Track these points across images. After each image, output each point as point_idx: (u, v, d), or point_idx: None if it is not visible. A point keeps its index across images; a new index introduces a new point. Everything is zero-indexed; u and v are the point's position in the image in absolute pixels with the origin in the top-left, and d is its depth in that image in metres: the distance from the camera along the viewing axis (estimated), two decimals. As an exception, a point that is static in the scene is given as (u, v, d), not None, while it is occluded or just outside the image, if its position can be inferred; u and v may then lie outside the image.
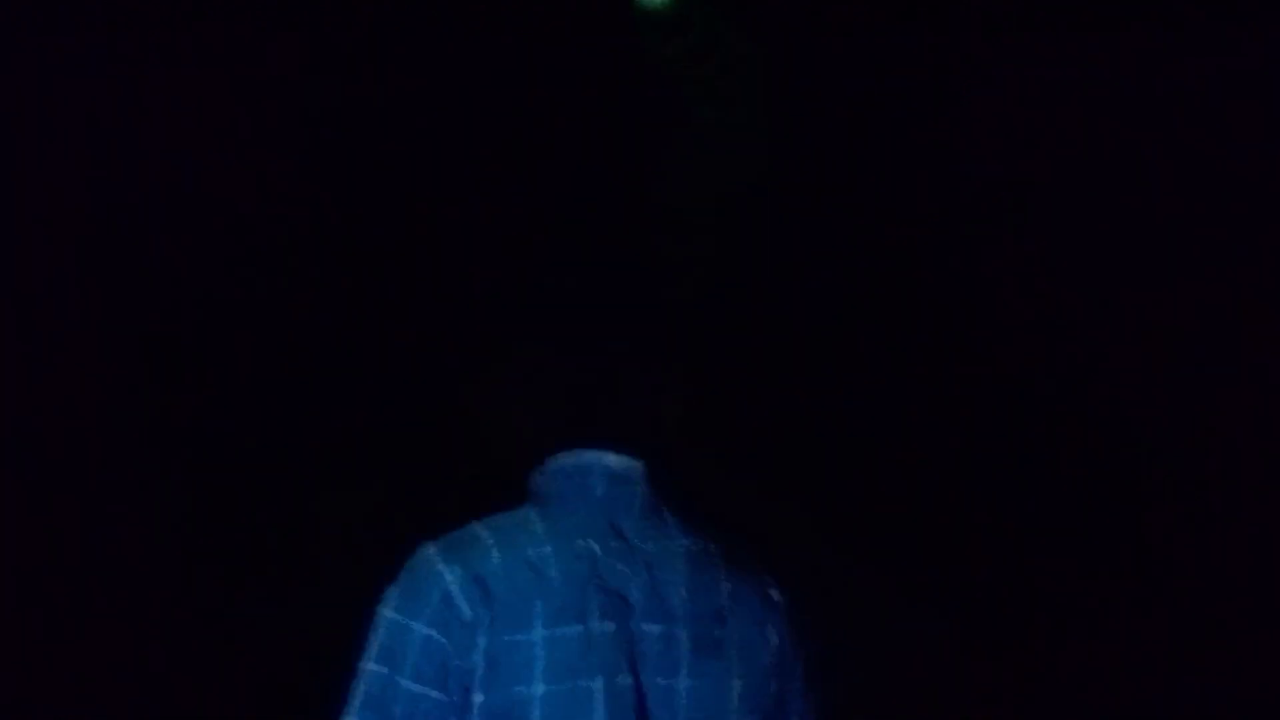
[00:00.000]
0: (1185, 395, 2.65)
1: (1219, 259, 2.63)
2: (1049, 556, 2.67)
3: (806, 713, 1.63)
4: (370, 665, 1.49)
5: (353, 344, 2.62)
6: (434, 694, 1.47)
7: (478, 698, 1.46)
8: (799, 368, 2.71)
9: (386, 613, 1.51)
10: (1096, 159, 2.67)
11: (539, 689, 1.47)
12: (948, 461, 2.70)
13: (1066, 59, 2.67)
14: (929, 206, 2.74)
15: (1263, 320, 2.62)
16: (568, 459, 1.60)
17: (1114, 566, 2.68)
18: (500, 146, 2.66)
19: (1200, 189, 2.63)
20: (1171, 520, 2.66)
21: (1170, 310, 2.66)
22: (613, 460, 1.60)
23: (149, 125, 2.57)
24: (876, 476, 2.68)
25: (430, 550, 1.53)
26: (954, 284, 2.74)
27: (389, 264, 2.64)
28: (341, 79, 2.64)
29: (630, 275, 1.73)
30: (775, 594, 1.63)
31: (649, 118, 2.74)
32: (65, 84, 2.53)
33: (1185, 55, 2.60)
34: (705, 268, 2.64)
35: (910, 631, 2.62)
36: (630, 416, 1.62)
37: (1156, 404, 2.66)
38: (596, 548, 1.54)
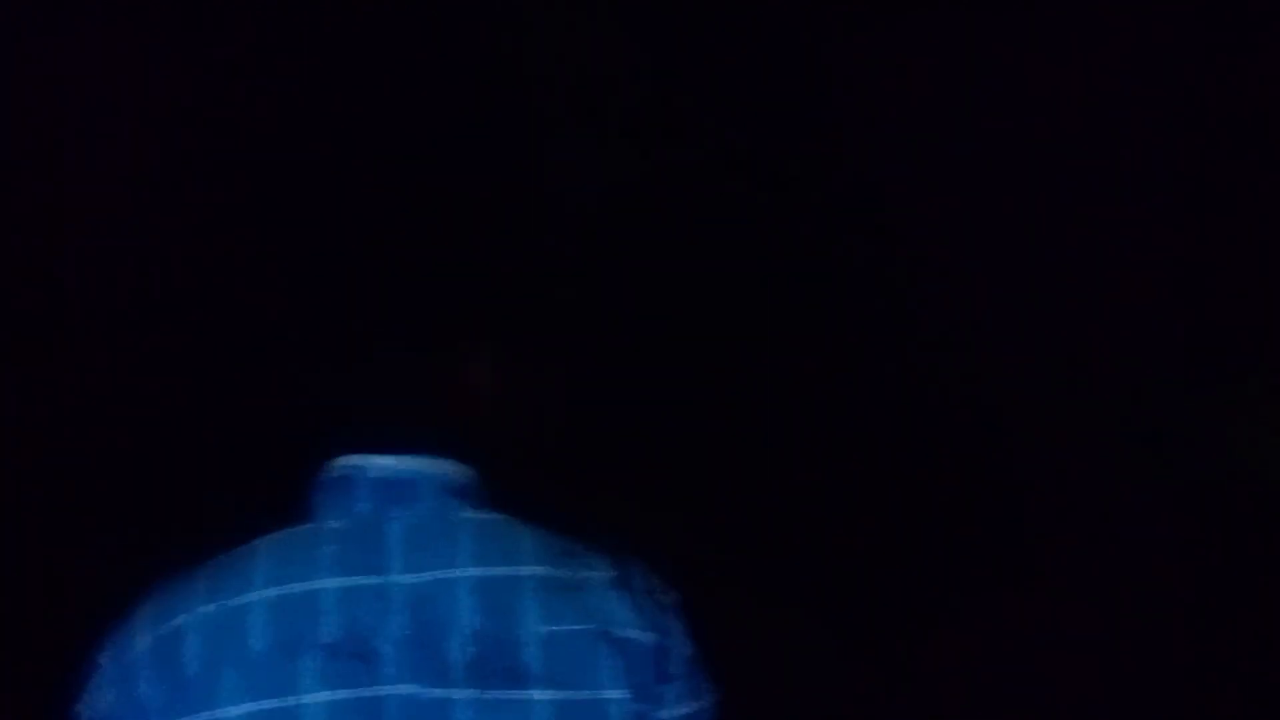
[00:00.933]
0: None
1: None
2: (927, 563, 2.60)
3: None
4: None
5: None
6: None
7: None
8: (674, 371, 2.60)
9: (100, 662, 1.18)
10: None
11: None
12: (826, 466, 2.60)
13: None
14: (809, 202, 2.66)
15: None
16: (340, 464, 1.21)
17: (992, 571, 2.60)
18: (364, 144, 2.54)
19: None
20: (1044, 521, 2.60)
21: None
22: (385, 464, 1.19)
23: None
24: (764, 488, 2.56)
25: (160, 588, 1.18)
26: (826, 278, 2.64)
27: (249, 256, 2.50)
28: (197, 73, 2.50)
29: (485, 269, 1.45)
30: (633, 634, 1.15)
31: (525, 111, 2.62)
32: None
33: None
34: (573, 268, 2.52)
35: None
36: (442, 412, 1.23)
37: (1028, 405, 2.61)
38: (333, 587, 1.13)
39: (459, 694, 1.11)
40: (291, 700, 1.10)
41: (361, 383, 1.24)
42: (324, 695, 1.10)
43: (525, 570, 1.16)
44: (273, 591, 1.13)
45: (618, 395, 2.47)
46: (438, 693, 1.11)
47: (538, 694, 1.11)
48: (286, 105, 2.51)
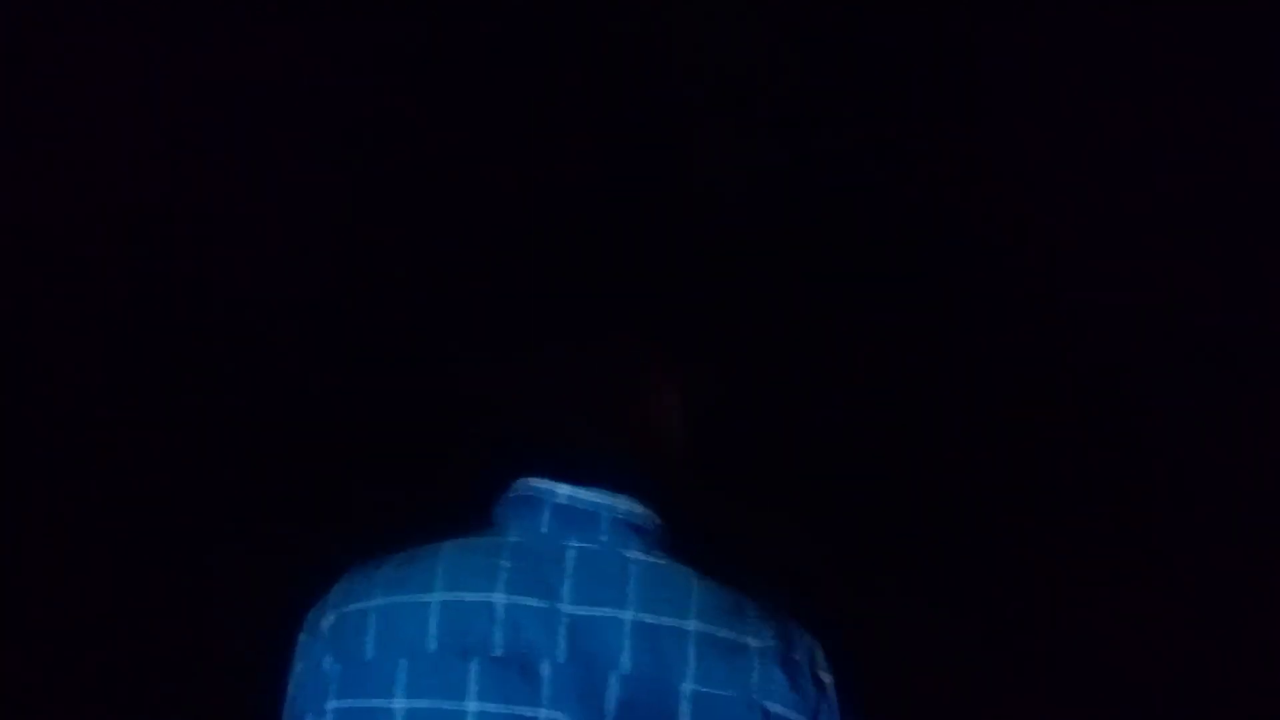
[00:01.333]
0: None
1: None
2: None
3: None
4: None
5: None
6: None
7: None
8: (829, 380, 2.60)
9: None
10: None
11: None
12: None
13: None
14: (968, 208, 2.64)
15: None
16: (526, 484, 1.26)
17: (1124, 565, 2.59)
18: (512, 141, 2.56)
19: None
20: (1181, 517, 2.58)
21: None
22: (565, 492, 1.23)
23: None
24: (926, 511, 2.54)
25: (348, 572, 1.26)
26: (985, 282, 2.63)
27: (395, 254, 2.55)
28: (352, 67, 2.55)
29: (645, 277, 1.45)
30: (785, 712, 1.17)
31: (669, 113, 2.63)
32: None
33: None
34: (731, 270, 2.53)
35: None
36: (626, 439, 1.27)
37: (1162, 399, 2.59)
38: (501, 603, 1.17)
39: None
40: (454, 705, 1.15)
41: (555, 406, 1.29)
42: (490, 707, 1.15)
43: (689, 624, 1.17)
44: (451, 596, 1.18)
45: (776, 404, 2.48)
46: None
47: None
48: (436, 102, 2.55)
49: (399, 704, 1.15)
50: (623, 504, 1.24)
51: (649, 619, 1.17)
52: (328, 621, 1.23)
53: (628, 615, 1.17)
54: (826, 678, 1.21)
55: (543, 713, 1.15)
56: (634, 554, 1.22)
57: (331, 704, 1.19)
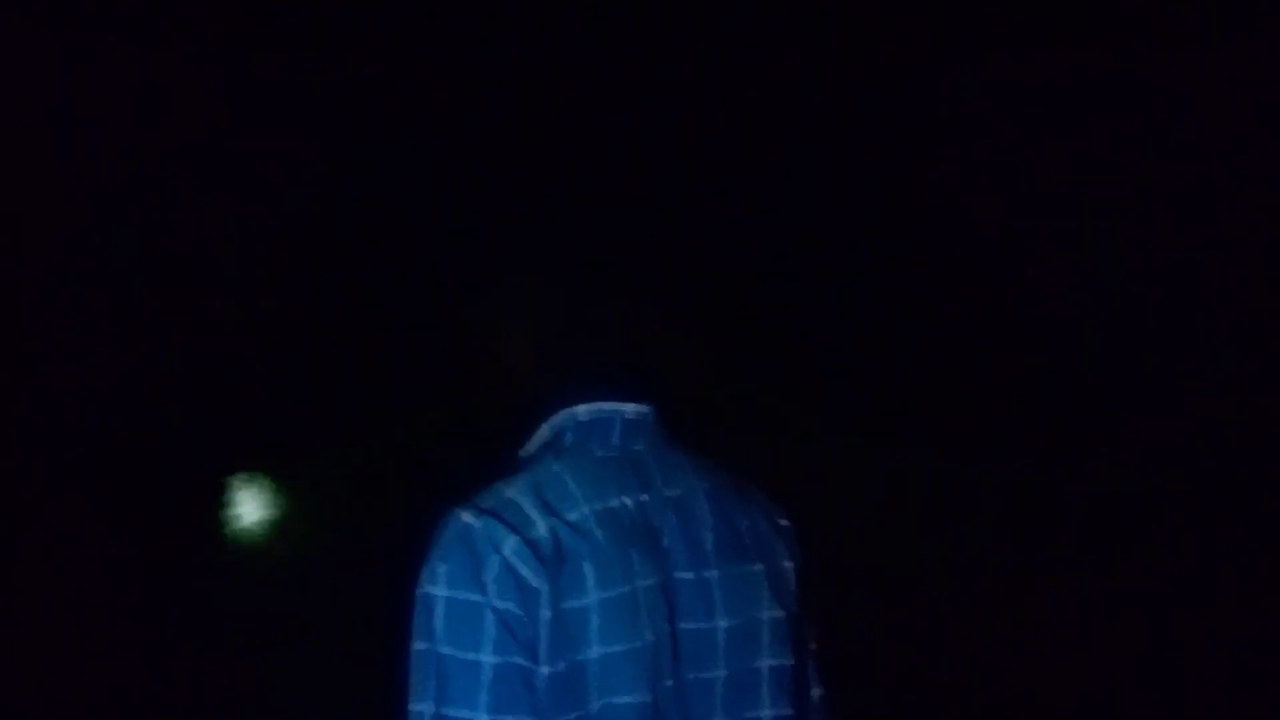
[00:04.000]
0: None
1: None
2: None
3: (814, 638, 1.63)
4: (443, 649, 1.45)
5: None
6: (517, 660, 1.45)
7: (544, 669, 1.45)
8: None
9: (442, 591, 1.46)
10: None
11: (595, 652, 1.46)
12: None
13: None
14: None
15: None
16: (582, 410, 1.60)
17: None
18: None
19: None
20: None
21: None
22: (629, 409, 1.59)
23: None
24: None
25: (469, 518, 1.49)
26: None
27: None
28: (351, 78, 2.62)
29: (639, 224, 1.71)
30: (785, 523, 1.64)
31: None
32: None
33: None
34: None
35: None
36: (637, 359, 1.62)
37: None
38: (630, 502, 1.54)
39: (713, 573, 1.55)
40: (633, 586, 1.52)
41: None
42: (648, 580, 1.52)
43: (724, 480, 1.62)
44: (596, 505, 1.54)
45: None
46: (701, 573, 1.55)
47: (757, 565, 1.58)
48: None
49: (593, 598, 1.49)
50: (650, 409, 1.64)
51: (708, 484, 1.61)
52: (510, 546, 1.50)
53: (698, 485, 1.60)
54: (783, 522, 1.67)
55: (676, 573, 1.54)
56: (675, 446, 1.64)
57: (545, 611, 1.49)
